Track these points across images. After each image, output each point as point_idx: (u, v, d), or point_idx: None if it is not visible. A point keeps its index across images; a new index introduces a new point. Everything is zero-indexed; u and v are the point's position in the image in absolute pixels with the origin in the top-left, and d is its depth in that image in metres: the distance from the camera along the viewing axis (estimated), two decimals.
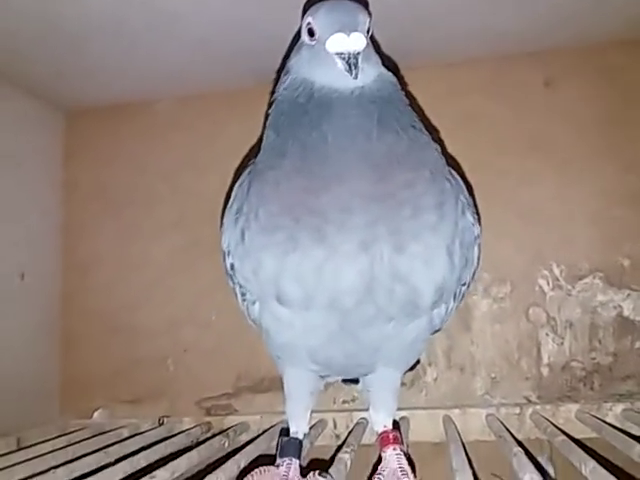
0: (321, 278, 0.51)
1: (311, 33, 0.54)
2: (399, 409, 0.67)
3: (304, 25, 0.55)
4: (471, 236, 0.58)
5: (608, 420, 0.77)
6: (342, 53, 0.51)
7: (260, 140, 0.59)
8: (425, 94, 0.88)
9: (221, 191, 0.84)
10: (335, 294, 0.52)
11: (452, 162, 0.79)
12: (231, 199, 0.61)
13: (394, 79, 0.57)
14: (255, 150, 0.60)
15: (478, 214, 0.62)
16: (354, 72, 0.51)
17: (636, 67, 0.86)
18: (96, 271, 0.99)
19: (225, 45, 0.82)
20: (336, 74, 0.52)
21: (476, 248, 0.60)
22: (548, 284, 0.86)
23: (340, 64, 0.51)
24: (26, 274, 0.92)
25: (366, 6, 0.67)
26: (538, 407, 0.81)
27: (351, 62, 0.51)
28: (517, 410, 0.81)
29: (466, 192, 0.59)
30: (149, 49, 0.82)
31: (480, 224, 0.61)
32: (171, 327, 0.94)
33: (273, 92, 0.60)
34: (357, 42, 0.51)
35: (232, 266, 0.60)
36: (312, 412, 0.66)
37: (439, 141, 0.74)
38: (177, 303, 0.95)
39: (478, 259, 0.61)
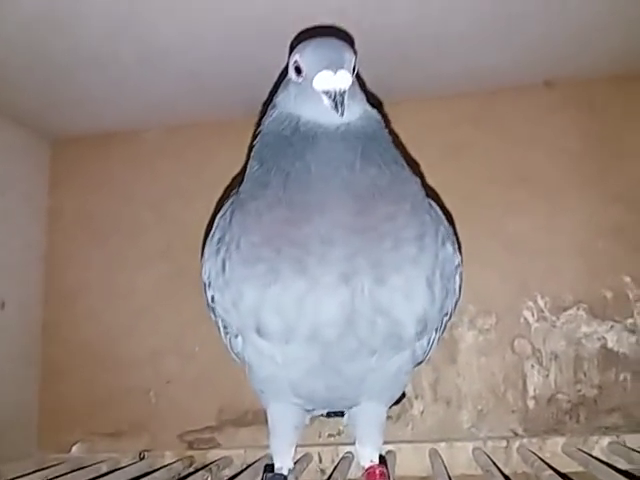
0: (301, 310, 0.51)
1: (298, 70, 0.55)
2: (385, 443, 0.66)
3: (291, 62, 0.56)
4: (451, 267, 0.58)
5: (594, 454, 0.76)
6: (328, 91, 0.52)
7: (243, 171, 0.60)
8: (413, 125, 0.90)
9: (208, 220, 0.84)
10: (316, 326, 0.51)
11: (432, 193, 0.80)
12: (213, 229, 0.61)
13: (379, 117, 0.59)
14: (238, 180, 0.61)
15: (459, 243, 0.62)
16: (340, 110, 0.51)
17: (620, 102, 0.88)
18: (79, 300, 0.97)
19: (215, 78, 0.83)
20: (322, 111, 0.53)
21: (457, 277, 0.60)
22: (533, 315, 0.87)
23: (326, 101, 0.52)
24: (7, 303, 0.90)
25: (351, 44, 0.69)
26: (525, 440, 0.81)
27: (337, 100, 0.51)
28: (504, 444, 0.81)
29: (446, 223, 0.60)
30: (139, 81, 0.83)
31: (461, 253, 0.61)
32: (154, 358, 0.93)
33: (259, 125, 0.60)
34: (343, 80, 0.52)
35: (213, 298, 0.60)
36: (297, 446, 0.65)
37: (420, 174, 0.75)
38: (161, 334, 0.93)
39: (460, 289, 0.61)
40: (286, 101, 0.57)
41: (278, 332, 0.52)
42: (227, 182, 0.90)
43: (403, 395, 0.77)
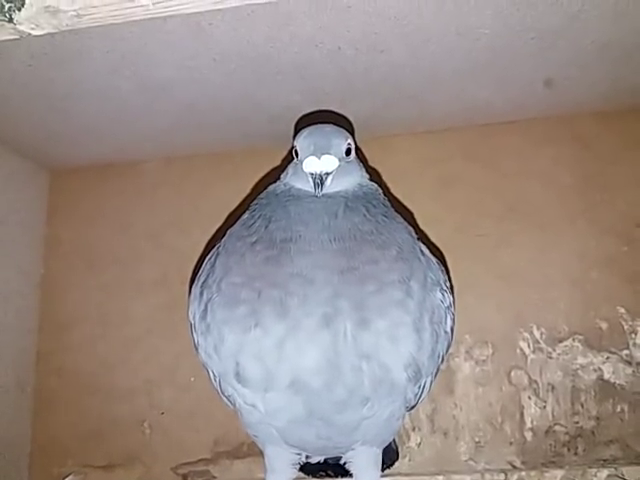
0: (282, 356, 0.50)
1: (296, 154, 0.61)
2: (382, 475, 0.66)
3: (293, 147, 0.62)
4: (441, 313, 0.58)
5: None
6: (313, 173, 0.57)
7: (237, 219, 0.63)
8: (407, 158, 0.92)
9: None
10: (297, 373, 0.51)
11: (421, 235, 0.81)
12: (200, 271, 0.62)
13: (375, 186, 0.63)
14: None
15: (450, 279, 0.63)
16: (319, 189, 0.56)
17: (608, 136, 0.90)
18: (74, 330, 0.97)
19: (213, 112, 0.84)
20: (309, 188, 0.58)
21: (449, 320, 0.60)
22: (529, 347, 0.87)
23: (310, 182, 0.57)
24: (1, 331, 0.90)
25: (349, 126, 0.79)
26: (523, 473, 0.80)
27: (316, 181, 0.56)
28: (502, 476, 0.80)
29: (436, 268, 0.61)
30: (138, 114, 0.84)
31: (453, 292, 0.62)
32: (149, 388, 0.92)
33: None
34: (327, 164, 0.57)
35: (197, 342, 0.60)
36: None
37: (414, 223, 0.77)
38: (156, 364, 0.93)
39: (452, 331, 0.61)
40: (285, 178, 0.63)
41: (257, 379, 0.52)
42: (224, 213, 0.91)
43: (397, 456, 0.80)
